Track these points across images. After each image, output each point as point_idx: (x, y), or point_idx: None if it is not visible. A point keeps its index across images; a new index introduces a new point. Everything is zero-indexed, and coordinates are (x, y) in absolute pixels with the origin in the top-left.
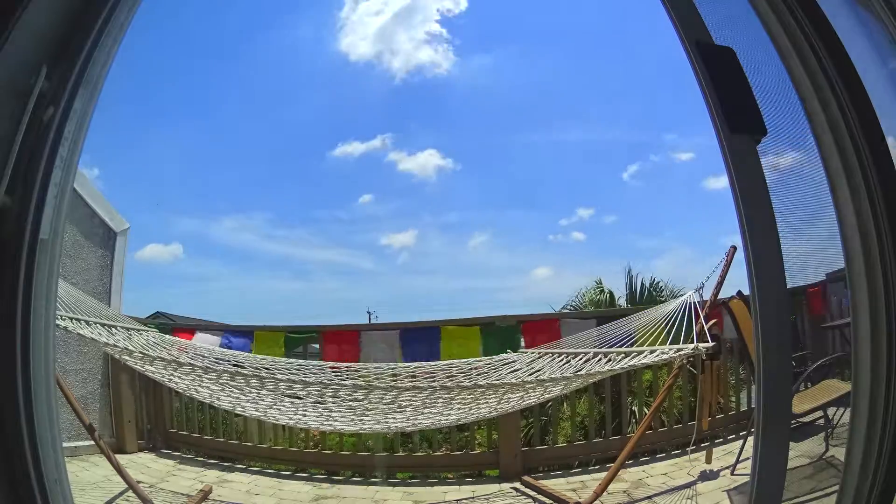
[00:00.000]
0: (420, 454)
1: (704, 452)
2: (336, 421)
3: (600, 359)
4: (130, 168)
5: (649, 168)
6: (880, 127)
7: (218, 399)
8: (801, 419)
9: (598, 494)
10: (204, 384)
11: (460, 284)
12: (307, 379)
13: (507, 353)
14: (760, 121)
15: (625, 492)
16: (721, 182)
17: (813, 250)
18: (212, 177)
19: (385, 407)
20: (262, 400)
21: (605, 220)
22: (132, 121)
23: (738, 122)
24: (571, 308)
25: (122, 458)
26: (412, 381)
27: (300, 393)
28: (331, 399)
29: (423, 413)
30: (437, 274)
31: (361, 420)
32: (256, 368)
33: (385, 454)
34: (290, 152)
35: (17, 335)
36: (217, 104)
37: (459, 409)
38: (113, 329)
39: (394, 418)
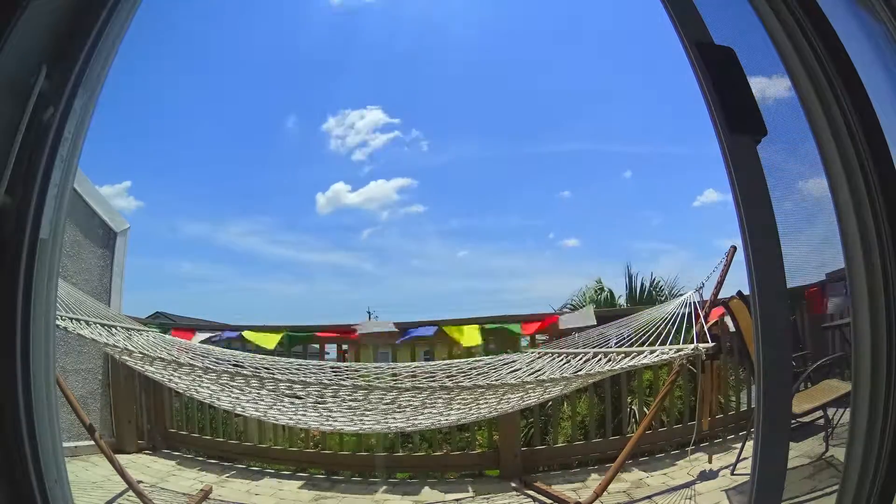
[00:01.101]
0: (420, 454)
1: (705, 452)
2: (336, 421)
3: (600, 359)
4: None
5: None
6: (880, 127)
7: (218, 399)
8: (801, 419)
9: (598, 494)
10: (204, 384)
11: (461, 286)
12: (307, 379)
13: (507, 353)
14: (760, 121)
15: (625, 492)
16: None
17: (813, 250)
18: (219, 182)
19: (385, 407)
20: (262, 400)
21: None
22: (140, 125)
23: (738, 122)
24: (571, 308)
25: (122, 458)
26: (412, 381)
27: (300, 393)
28: (331, 399)
29: (423, 413)
30: (437, 275)
31: (361, 420)
32: (256, 368)
33: (385, 454)
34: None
35: (17, 335)
36: (221, 108)
37: (459, 409)
38: (113, 329)
39: (394, 418)
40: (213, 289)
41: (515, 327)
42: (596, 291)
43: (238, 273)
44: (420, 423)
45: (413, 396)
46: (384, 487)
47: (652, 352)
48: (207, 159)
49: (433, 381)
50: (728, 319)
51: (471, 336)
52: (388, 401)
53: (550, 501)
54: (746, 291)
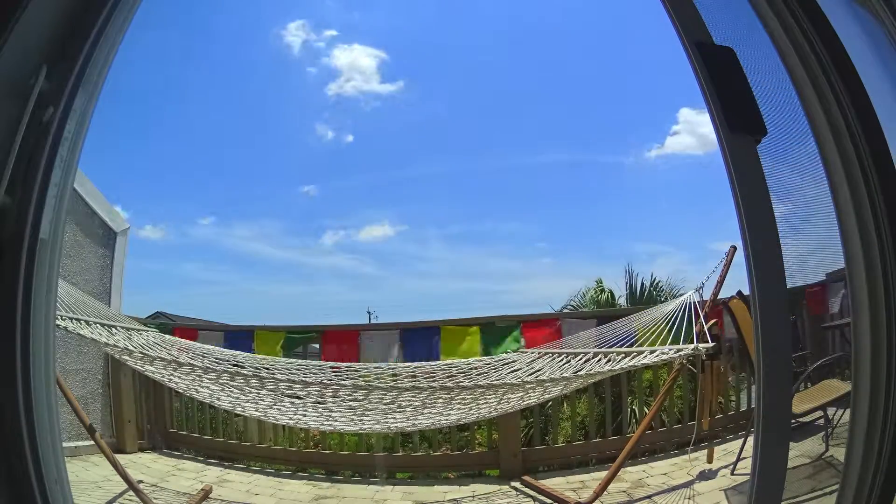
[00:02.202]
0: (420, 454)
1: (705, 452)
2: (336, 421)
3: (600, 359)
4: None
5: None
6: (880, 127)
7: (218, 399)
8: (801, 419)
9: (598, 494)
10: (204, 384)
11: (461, 287)
12: (307, 379)
13: (507, 353)
14: (760, 121)
15: (625, 492)
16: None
17: (813, 250)
18: (228, 187)
19: (385, 407)
20: (262, 400)
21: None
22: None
23: (738, 122)
24: (571, 308)
25: (122, 458)
26: (412, 382)
27: (300, 393)
28: (331, 399)
29: (423, 413)
30: (438, 277)
31: (361, 420)
32: (256, 368)
33: (385, 454)
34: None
35: (17, 335)
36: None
37: (459, 409)
38: (113, 329)
39: (394, 418)
40: (216, 291)
41: (515, 328)
42: (596, 292)
43: (241, 276)
44: (420, 423)
45: (413, 396)
46: (384, 487)
47: (652, 352)
48: (214, 161)
49: (433, 381)
50: (728, 319)
51: (470, 343)
52: (388, 401)
53: (550, 501)
54: (746, 291)
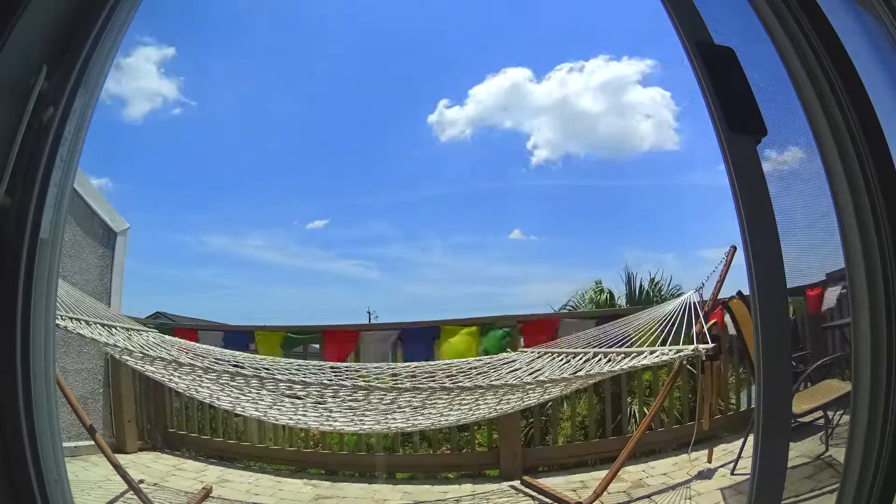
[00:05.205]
0: (420, 454)
1: (705, 452)
2: (336, 421)
3: (600, 359)
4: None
5: None
6: (880, 127)
7: (218, 399)
8: (801, 419)
9: (598, 494)
10: (204, 384)
11: (460, 290)
12: (307, 379)
13: (507, 353)
14: (760, 121)
15: (625, 492)
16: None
17: (813, 250)
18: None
19: (385, 407)
20: (262, 400)
21: None
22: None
23: (738, 122)
24: (571, 308)
25: (122, 458)
26: (412, 382)
27: (300, 393)
28: (331, 399)
29: (422, 413)
30: (439, 282)
31: (361, 420)
32: (256, 369)
33: (385, 454)
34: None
35: (17, 335)
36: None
37: (459, 409)
38: (113, 329)
39: (394, 418)
40: (219, 293)
41: (515, 328)
42: (595, 292)
43: (247, 279)
44: (420, 424)
45: (413, 397)
46: (384, 487)
47: (652, 352)
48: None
49: (433, 381)
50: (728, 319)
51: (470, 343)
52: (388, 401)
53: (550, 501)
54: (746, 291)
